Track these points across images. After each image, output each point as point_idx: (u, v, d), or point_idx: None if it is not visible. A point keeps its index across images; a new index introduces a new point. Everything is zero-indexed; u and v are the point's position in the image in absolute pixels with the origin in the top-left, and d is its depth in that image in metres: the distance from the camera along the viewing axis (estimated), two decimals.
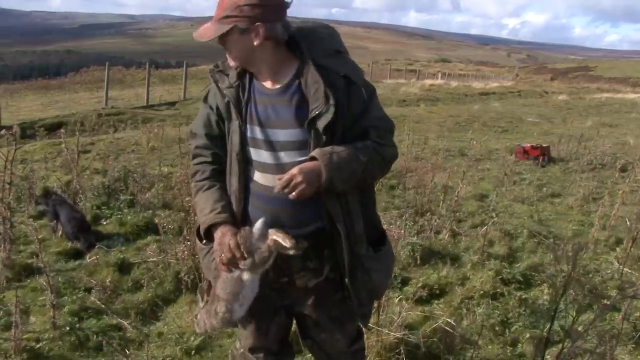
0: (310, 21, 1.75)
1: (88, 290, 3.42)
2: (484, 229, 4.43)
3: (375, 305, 2.65)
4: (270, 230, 1.61)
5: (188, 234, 3.50)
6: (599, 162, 8.09)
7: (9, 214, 3.37)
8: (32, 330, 2.91)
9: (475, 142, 8.69)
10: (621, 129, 14.08)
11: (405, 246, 4.01)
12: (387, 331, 2.76)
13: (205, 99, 1.80)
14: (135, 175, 5.35)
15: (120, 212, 4.75)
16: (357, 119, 1.64)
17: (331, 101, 1.56)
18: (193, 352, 2.83)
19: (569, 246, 3.58)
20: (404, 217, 4.69)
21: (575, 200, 6.05)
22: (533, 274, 3.86)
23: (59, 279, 3.47)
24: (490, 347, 2.97)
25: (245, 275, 1.65)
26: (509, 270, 3.81)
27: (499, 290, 3.54)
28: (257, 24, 1.56)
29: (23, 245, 4.06)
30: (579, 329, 2.48)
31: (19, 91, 23.70)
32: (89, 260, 3.85)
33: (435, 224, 4.62)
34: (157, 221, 3.73)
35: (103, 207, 4.88)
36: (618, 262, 4.10)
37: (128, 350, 2.79)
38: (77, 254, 4.01)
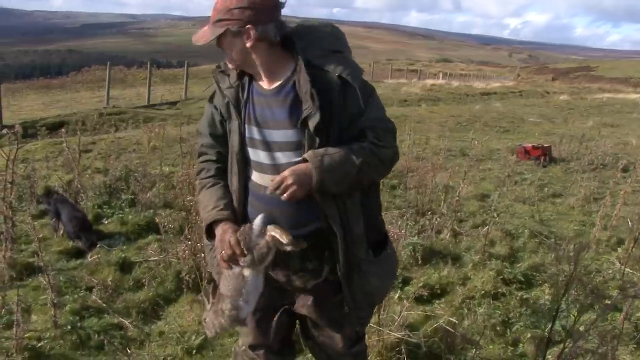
0: (312, 20, 1.74)
1: (89, 289, 3.42)
2: (485, 229, 4.43)
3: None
4: (269, 227, 1.62)
5: (189, 233, 3.51)
6: (601, 162, 8.07)
7: (10, 213, 3.37)
8: (34, 329, 2.91)
9: (476, 142, 8.68)
10: (623, 129, 14.07)
11: (406, 246, 4.01)
12: (388, 331, 2.76)
13: (211, 99, 1.82)
14: (136, 174, 5.36)
15: (121, 212, 4.75)
16: (353, 120, 1.63)
17: (316, 102, 1.55)
18: (194, 351, 2.84)
19: (571, 246, 3.58)
20: (405, 217, 4.69)
21: (577, 200, 6.04)
22: (534, 274, 3.86)
23: (60, 278, 3.48)
24: (491, 347, 2.96)
25: (246, 272, 1.66)
26: (510, 270, 3.81)
27: (500, 290, 3.54)
28: (247, 26, 1.57)
29: (24, 245, 4.06)
30: (581, 329, 2.48)
31: (20, 90, 23.70)
32: (90, 260, 3.85)
33: (437, 223, 4.62)
34: (158, 220, 3.73)
35: (104, 207, 4.89)
36: (619, 262, 4.09)
37: (129, 350, 2.79)
38: (79, 253, 4.02)
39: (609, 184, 5.54)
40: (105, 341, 2.81)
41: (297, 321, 1.99)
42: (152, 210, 4.71)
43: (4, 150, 3.54)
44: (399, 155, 1.74)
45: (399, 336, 2.75)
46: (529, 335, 3.00)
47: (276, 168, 1.66)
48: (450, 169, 5.79)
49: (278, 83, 1.65)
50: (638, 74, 61.61)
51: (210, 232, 1.78)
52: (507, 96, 26.44)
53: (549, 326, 2.52)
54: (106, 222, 4.63)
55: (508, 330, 3.10)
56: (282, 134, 1.65)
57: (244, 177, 1.75)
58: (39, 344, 2.78)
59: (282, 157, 1.67)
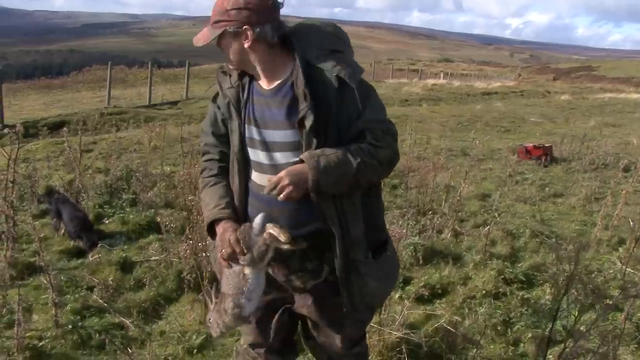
0: (313, 20, 1.74)
1: (90, 288, 3.43)
2: (486, 228, 4.43)
3: None
4: (268, 225, 1.62)
5: (190, 233, 3.51)
6: (602, 162, 8.06)
7: (11, 212, 3.37)
8: (35, 329, 2.92)
9: (477, 142, 8.67)
10: (624, 129, 14.04)
11: (407, 246, 4.00)
12: (389, 330, 2.76)
13: (214, 99, 1.83)
14: (137, 174, 5.36)
15: (122, 211, 4.76)
16: (352, 121, 1.62)
17: (309, 101, 1.55)
18: (195, 350, 2.84)
19: (571, 245, 3.58)
20: (406, 217, 4.69)
21: (578, 200, 6.03)
22: (535, 273, 3.85)
23: (62, 277, 3.48)
24: (492, 346, 2.96)
25: (247, 270, 1.66)
26: (511, 270, 3.81)
27: (501, 289, 3.54)
28: (244, 27, 1.57)
29: (26, 244, 4.07)
30: (581, 328, 2.48)
31: (22, 90, 23.73)
32: (91, 259, 3.86)
33: (438, 223, 4.62)
34: (159, 220, 3.74)
35: (105, 206, 4.89)
36: (621, 262, 4.09)
37: (130, 349, 2.80)
38: (80, 253, 4.02)
39: (610, 184, 5.53)
40: (107, 341, 2.81)
41: (299, 321, 1.99)
42: (153, 210, 4.71)
43: (6, 149, 3.54)
44: (398, 157, 1.72)
45: (400, 336, 2.75)
46: (529, 335, 3.00)
47: (275, 168, 1.66)
48: (452, 168, 5.79)
49: (277, 83, 1.65)
50: None
51: (211, 231, 1.78)
52: (509, 96, 26.41)
53: (550, 326, 2.52)
54: (107, 221, 4.64)
55: (509, 330, 3.10)
56: (280, 135, 1.65)
57: (245, 177, 1.75)
58: (40, 344, 2.78)
59: (281, 157, 1.67)
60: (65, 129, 7.23)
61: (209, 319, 1.79)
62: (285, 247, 1.59)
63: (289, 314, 1.91)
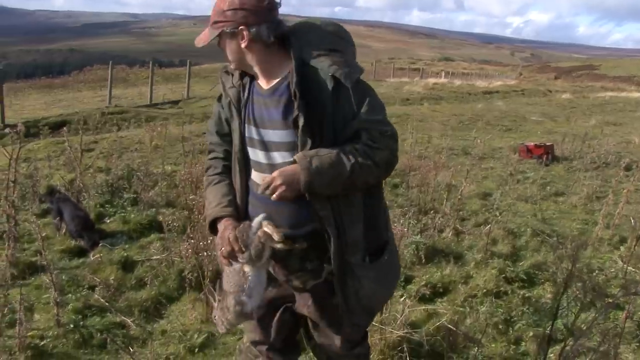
0: (314, 19, 1.74)
1: (92, 288, 3.43)
2: (487, 227, 4.43)
3: None
4: (263, 222, 1.63)
5: (192, 232, 3.51)
6: (603, 161, 8.05)
7: (13, 212, 3.37)
8: (36, 328, 2.92)
9: (478, 141, 8.66)
10: (625, 128, 14.01)
11: (408, 245, 4.00)
12: (390, 329, 2.76)
13: (219, 99, 1.84)
14: (138, 173, 5.37)
15: (123, 210, 4.76)
16: (347, 121, 1.61)
17: (299, 101, 1.55)
18: (197, 349, 2.84)
19: (571, 244, 3.58)
20: (407, 216, 4.70)
21: (579, 199, 6.03)
22: (536, 272, 3.85)
23: (63, 276, 3.49)
24: (493, 345, 2.96)
25: (247, 268, 1.67)
26: (512, 269, 3.81)
27: (502, 288, 3.54)
28: (240, 27, 1.58)
29: (27, 243, 4.08)
30: (582, 327, 2.48)
31: (22, 90, 23.74)
32: (92, 258, 3.86)
33: (439, 222, 4.62)
34: (160, 219, 3.74)
35: (106, 205, 4.90)
36: (622, 261, 4.09)
37: (132, 348, 2.80)
38: (81, 252, 4.03)
39: (612, 183, 5.53)
40: (108, 340, 2.82)
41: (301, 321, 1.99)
42: (154, 209, 4.71)
43: (7, 149, 3.55)
44: (397, 158, 1.69)
45: (402, 334, 2.75)
46: (531, 333, 3.01)
47: (273, 168, 1.66)
48: (453, 167, 5.78)
49: (274, 83, 1.66)
50: None
51: (213, 228, 1.80)
52: (510, 95, 26.38)
53: (551, 324, 2.52)
54: (108, 221, 4.64)
55: (510, 329, 3.10)
56: (278, 134, 1.66)
57: (245, 176, 1.77)
58: (42, 343, 2.79)
59: (278, 157, 1.67)
60: (66, 128, 7.25)
61: (214, 316, 1.80)
62: (279, 246, 1.60)
63: (290, 313, 1.91)
